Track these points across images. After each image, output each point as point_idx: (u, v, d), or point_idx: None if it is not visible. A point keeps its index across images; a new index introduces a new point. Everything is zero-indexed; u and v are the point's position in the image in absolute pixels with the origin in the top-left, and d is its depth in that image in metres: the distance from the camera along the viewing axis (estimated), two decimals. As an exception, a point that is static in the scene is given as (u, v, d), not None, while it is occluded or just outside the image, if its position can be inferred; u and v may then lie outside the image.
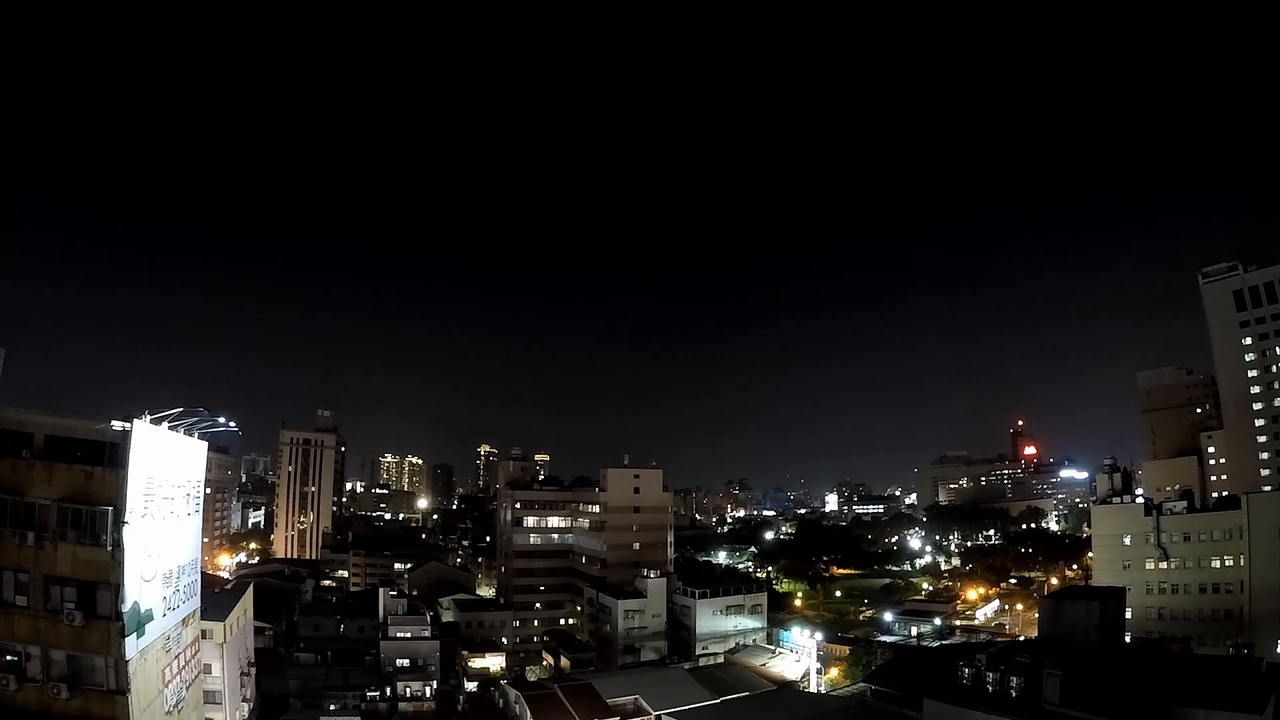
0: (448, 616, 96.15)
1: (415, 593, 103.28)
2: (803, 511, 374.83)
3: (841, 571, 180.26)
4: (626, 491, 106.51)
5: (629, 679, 65.70)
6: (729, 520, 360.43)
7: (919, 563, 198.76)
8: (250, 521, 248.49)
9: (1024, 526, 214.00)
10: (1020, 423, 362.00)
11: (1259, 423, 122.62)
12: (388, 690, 64.78)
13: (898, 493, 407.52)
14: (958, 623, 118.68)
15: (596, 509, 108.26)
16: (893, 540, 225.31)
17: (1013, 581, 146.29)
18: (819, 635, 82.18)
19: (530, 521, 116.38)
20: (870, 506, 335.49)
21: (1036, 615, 67.17)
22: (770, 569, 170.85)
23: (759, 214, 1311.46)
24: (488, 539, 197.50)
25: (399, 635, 70.94)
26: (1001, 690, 41.38)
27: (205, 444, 41.72)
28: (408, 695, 65.20)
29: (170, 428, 36.37)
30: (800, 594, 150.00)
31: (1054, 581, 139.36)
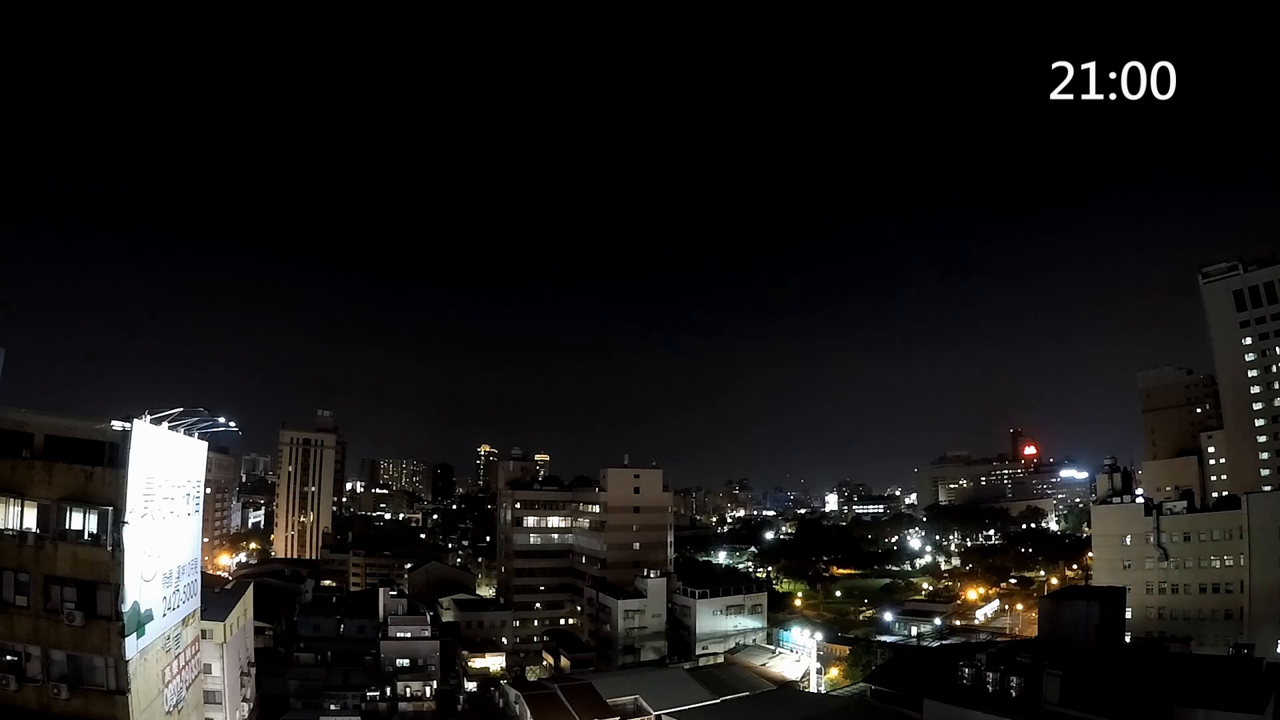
0: (448, 616, 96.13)
1: (415, 593, 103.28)
2: (803, 511, 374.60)
3: (841, 571, 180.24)
4: (626, 491, 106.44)
5: (629, 679, 65.72)
6: (729, 520, 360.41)
7: (919, 563, 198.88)
8: (250, 521, 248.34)
9: (1024, 526, 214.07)
10: (1020, 422, 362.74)
11: (1259, 423, 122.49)
12: (388, 690, 64.83)
13: (898, 493, 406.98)
14: (958, 623, 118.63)
15: (596, 509, 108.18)
16: (893, 540, 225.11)
17: (1013, 581, 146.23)
18: (819, 635, 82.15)
19: (530, 521, 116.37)
20: (870, 506, 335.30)
21: (1036, 615, 67.24)
22: (770, 569, 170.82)
23: (758, 212, 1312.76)
24: (488, 539, 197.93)
25: (399, 635, 70.96)
26: (1001, 690, 41.42)
27: (205, 444, 41.73)
28: (408, 695, 65.24)
29: (170, 428, 36.37)
30: (800, 594, 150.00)
31: (1054, 581, 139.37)
